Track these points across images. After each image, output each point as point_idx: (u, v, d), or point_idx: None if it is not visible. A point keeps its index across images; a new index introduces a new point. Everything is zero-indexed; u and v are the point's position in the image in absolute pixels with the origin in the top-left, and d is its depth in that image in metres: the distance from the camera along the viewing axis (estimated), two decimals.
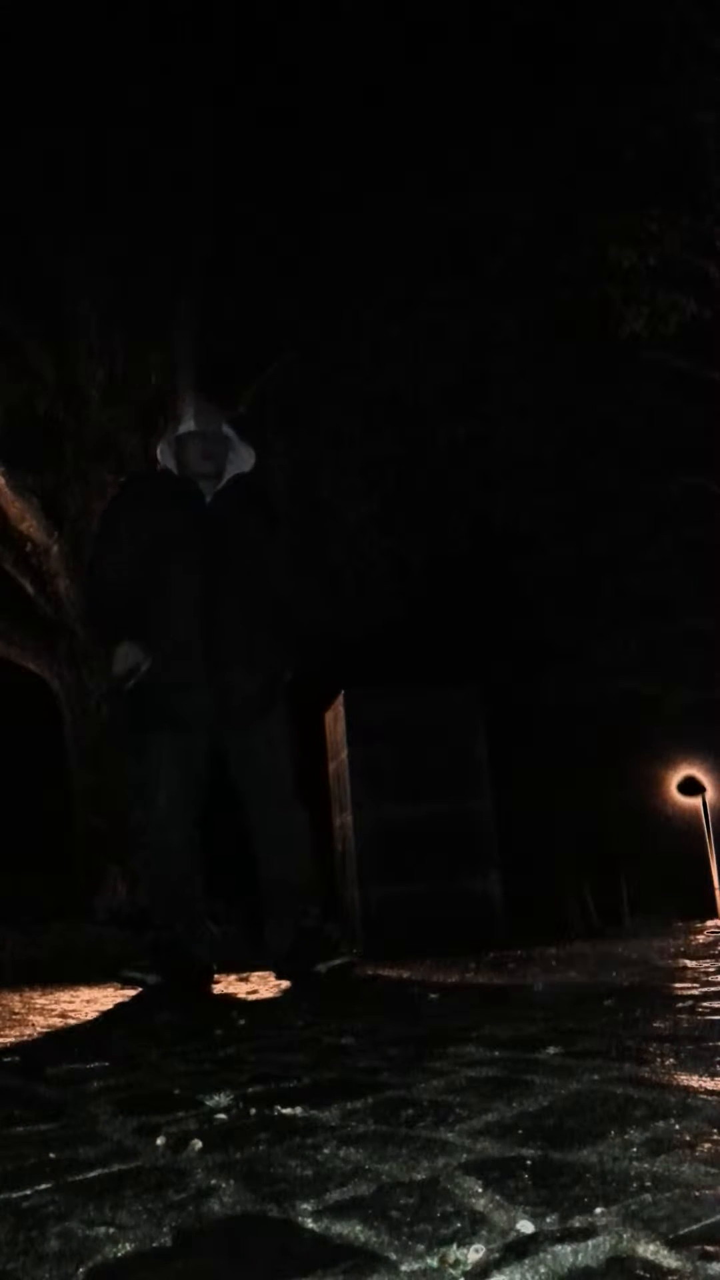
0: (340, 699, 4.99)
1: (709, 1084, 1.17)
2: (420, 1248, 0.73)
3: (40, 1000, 3.62)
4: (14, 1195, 0.95)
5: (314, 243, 8.77)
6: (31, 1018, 2.89)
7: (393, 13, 8.69)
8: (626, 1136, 0.97)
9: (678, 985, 2.23)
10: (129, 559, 3.29)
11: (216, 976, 3.51)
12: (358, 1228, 0.78)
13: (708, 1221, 0.73)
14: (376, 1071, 1.42)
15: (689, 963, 2.81)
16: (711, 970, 2.53)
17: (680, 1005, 1.86)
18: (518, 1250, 0.71)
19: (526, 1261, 0.69)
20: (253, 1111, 1.23)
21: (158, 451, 3.51)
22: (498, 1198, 0.82)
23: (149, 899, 3.35)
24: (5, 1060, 1.94)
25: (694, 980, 2.31)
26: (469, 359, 9.71)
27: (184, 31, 8.09)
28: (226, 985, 3.53)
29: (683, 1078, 1.21)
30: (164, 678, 3.19)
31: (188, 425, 3.42)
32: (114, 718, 7.61)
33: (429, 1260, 0.71)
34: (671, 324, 9.71)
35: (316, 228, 8.79)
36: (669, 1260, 0.68)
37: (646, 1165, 0.88)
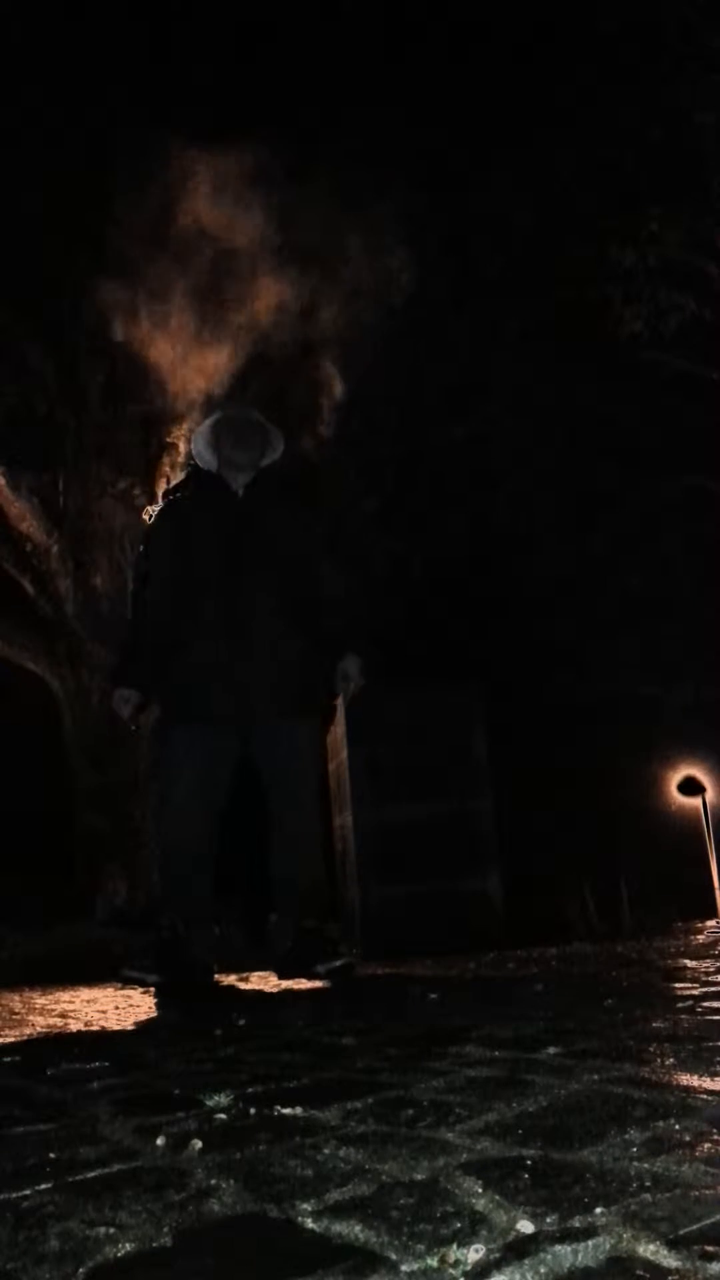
0: (340, 699, 4.99)
1: (709, 1084, 1.17)
2: (420, 1248, 0.73)
3: (40, 1000, 3.62)
4: (14, 1195, 0.95)
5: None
6: (31, 1018, 2.89)
7: (392, 13, 8.70)
8: (626, 1136, 0.97)
9: (678, 985, 2.23)
10: (163, 583, 3.32)
11: (216, 976, 3.51)
12: (358, 1228, 0.78)
13: (708, 1221, 0.73)
14: (376, 1071, 1.42)
15: (689, 963, 2.81)
16: (711, 970, 2.53)
17: (680, 1005, 1.86)
18: (518, 1250, 0.71)
19: (526, 1261, 0.69)
20: (253, 1111, 1.23)
21: (191, 441, 3.54)
22: (498, 1198, 0.82)
23: (159, 894, 3.36)
24: (5, 1060, 1.94)
25: (694, 980, 2.31)
26: (469, 359, 9.71)
27: (182, 31, 8.09)
28: (227, 985, 3.53)
29: (683, 1078, 1.21)
30: (189, 675, 3.19)
31: (220, 413, 3.45)
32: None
33: (429, 1260, 0.71)
34: (671, 324, 9.72)
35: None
36: (669, 1260, 0.68)
37: (646, 1165, 0.88)
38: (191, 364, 7.16)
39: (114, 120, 7.74)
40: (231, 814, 3.32)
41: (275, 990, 3.20)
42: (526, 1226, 0.75)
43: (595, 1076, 1.25)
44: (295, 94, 8.06)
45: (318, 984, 3.09)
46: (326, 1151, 1.01)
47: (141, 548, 3.71)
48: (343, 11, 8.27)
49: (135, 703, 3.31)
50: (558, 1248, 0.71)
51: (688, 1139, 0.94)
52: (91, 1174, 1.01)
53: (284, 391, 7.93)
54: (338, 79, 8.11)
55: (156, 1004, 2.96)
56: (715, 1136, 0.94)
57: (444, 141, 8.98)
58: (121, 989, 3.56)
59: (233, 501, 3.34)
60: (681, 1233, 0.71)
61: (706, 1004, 1.85)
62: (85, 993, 3.86)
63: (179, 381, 7.27)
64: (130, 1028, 2.46)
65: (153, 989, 3.10)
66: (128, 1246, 0.79)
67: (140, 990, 3.30)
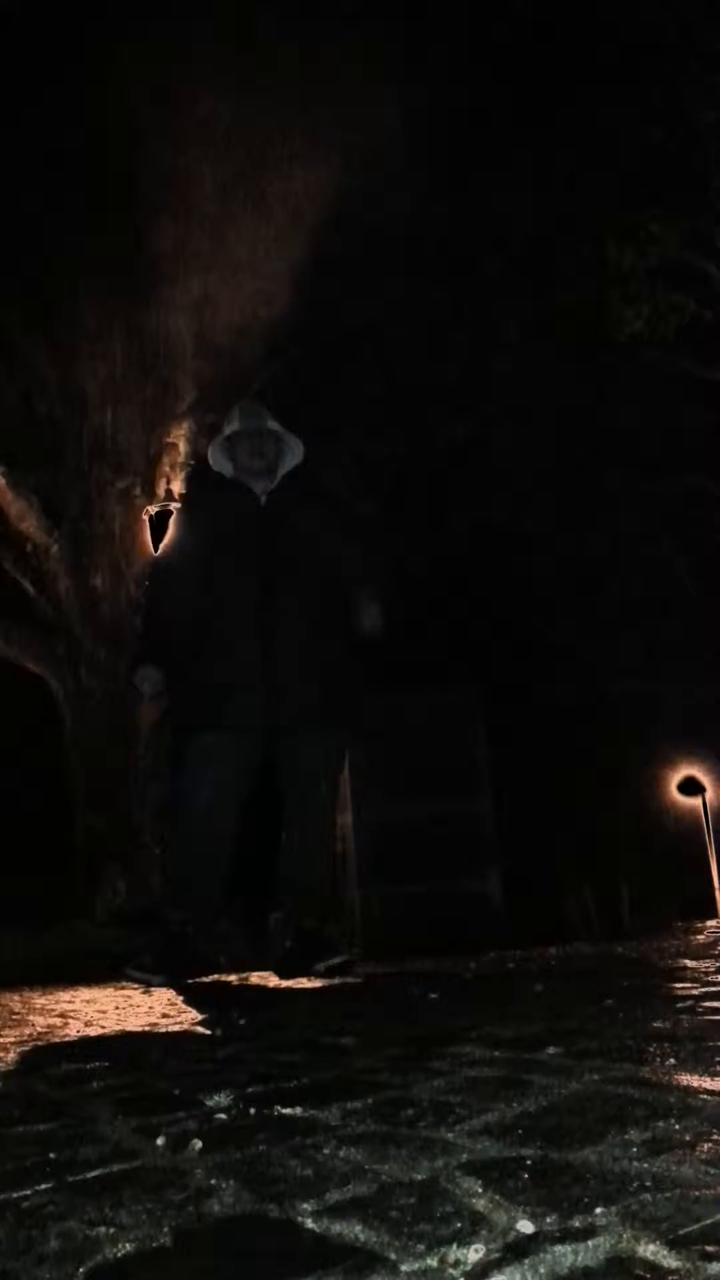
0: None
1: (709, 1084, 1.17)
2: (420, 1248, 0.73)
3: (40, 1000, 3.62)
4: (14, 1195, 0.95)
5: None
6: (31, 1018, 2.89)
7: (391, 11, 8.68)
8: (626, 1136, 0.97)
9: (678, 985, 2.23)
10: (184, 584, 3.32)
11: (218, 976, 3.51)
12: (358, 1228, 0.78)
13: (708, 1221, 0.73)
14: (376, 1071, 1.42)
15: (689, 963, 2.81)
16: (711, 970, 2.53)
17: (680, 1005, 1.86)
18: (518, 1250, 0.71)
19: (526, 1261, 0.69)
20: (253, 1111, 1.23)
21: (208, 456, 3.55)
22: (498, 1198, 0.82)
23: (171, 893, 3.35)
24: (5, 1060, 1.94)
25: (694, 980, 2.31)
26: (469, 359, 9.72)
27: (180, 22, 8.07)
28: (230, 983, 3.52)
29: (683, 1078, 1.21)
30: (215, 677, 3.18)
31: (233, 426, 3.45)
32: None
33: (429, 1260, 0.71)
34: (671, 324, 9.72)
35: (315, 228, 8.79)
36: (669, 1260, 0.68)
37: (646, 1165, 0.88)
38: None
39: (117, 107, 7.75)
40: (246, 817, 3.32)
41: (275, 990, 3.20)
42: (526, 1226, 0.75)
43: (595, 1076, 1.25)
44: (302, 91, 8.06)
45: (318, 984, 3.09)
46: (326, 1151, 1.01)
47: (165, 549, 3.72)
48: (344, 13, 8.26)
49: (154, 682, 3.26)
50: (558, 1248, 0.71)
51: (688, 1139, 0.94)
52: (91, 1174, 1.01)
53: None
54: (337, 80, 8.11)
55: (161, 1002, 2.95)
56: (715, 1136, 0.94)
57: (444, 141, 8.99)
58: (122, 989, 3.55)
59: (254, 507, 3.35)
60: (681, 1233, 0.71)
61: (706, 1004, 1.85)
62: (85, 993, 3.86)
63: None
64: (130, 1028, 2.46)
65: (155, 989, 3.10)
66: (128, 1246, 0.79)
67: (140, 991, 3.29)
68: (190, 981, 3.13)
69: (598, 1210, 0.77)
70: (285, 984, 3.24)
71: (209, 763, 3.20)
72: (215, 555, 3.30)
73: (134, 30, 7.59)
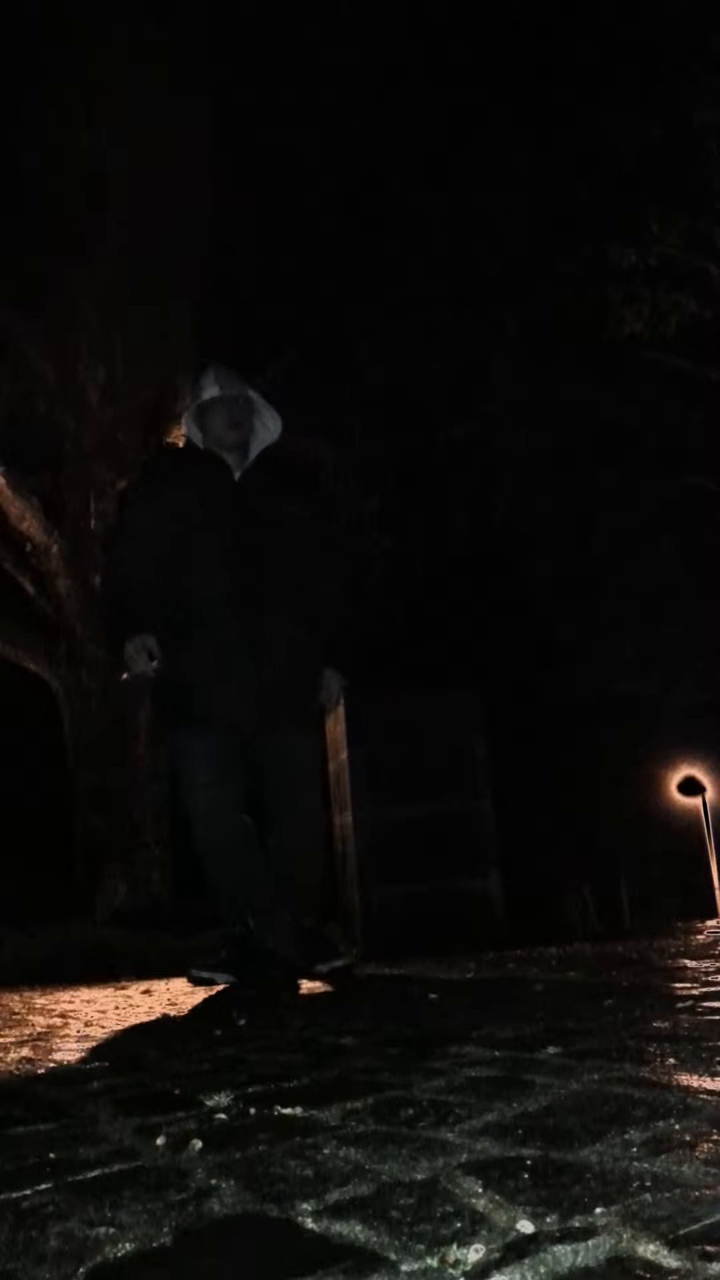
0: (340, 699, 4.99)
1: (709, 1084, 1.17)
2: (420, 1248, 0.73)
3: (40, 1000, 3.62)
4: (14, 1195, 0.95)
5: (314, 242, 8.78)
6: (31, 1018, 2.89)
7: (391, 11, 8.69)
8: (626, 1136, 0.97)
9: (678, 985, 2.23)
10: (151, 559, 3.10)
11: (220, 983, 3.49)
12: (358, 1228, 0.78)
13: (708, 1221, 0.73)
14: (376, 1071, 1.42)
15: (689, 963, 2.81)
16: (711, 970, 2.52)
17: (680, 1005, 1.86)
18: (518, 1250, 0.71)
19: (526, 1261, 0.69)
20: (253, 1111, 1.23)
21: (182, 423, 3.32)
22: (498, 1198, 0.82)
23: (213, 897, 3.23)
24: (5, 1060, 1.94)
25: (694, 980, 2.31)
26: (469, 359, 9.73)
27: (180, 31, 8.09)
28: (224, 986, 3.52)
29: (683, 1078, 1.21)
30: (192, 674, 3.03)
31: (211, 392, 3.21)
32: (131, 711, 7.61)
33: (429, 1260, 0.71)
34: (671, 324, 9.72)
35: (316, 228, 8.81)
36: (669, 1260, 0.68)
37: (646, 1165, 0.88)
38: None
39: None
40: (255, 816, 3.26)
41: (275, 990, 3.19)
42: (526, 1226, 0.75)
43: (595, 1076, 1.25)
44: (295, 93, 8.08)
45: (318, 984, 3.09)
46: (326, 1151, 1.01)
47: (124, 519, 3.42)
48: (344, 18, 8.27)
49: (150, 649, 3.02)
50: (558, 1248, 0.71)
51: (688, 1139, 0.94)
52: (91, 1174, 1.01)
53: None
54: (333, 84, 8.13)
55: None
56: (715, 1136, 0.94)
57: (444, 142, 9.00)
58: (122, 988, 3.55)
59: (229, 486, 3.14)
60: (681, 1233, 0.71)
61: (706, 1004, 1.85)
62: (85, 993, 3.86)
63: None
64: (130, 1028, 2.46)
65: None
66: (128, 1246, 0.79)
67: (140, 991, 3.29)
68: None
69: (598, 1210, 0.77)
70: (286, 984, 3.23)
71: (200, 754, 3.08)
72: (186, 526, 3.08)
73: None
